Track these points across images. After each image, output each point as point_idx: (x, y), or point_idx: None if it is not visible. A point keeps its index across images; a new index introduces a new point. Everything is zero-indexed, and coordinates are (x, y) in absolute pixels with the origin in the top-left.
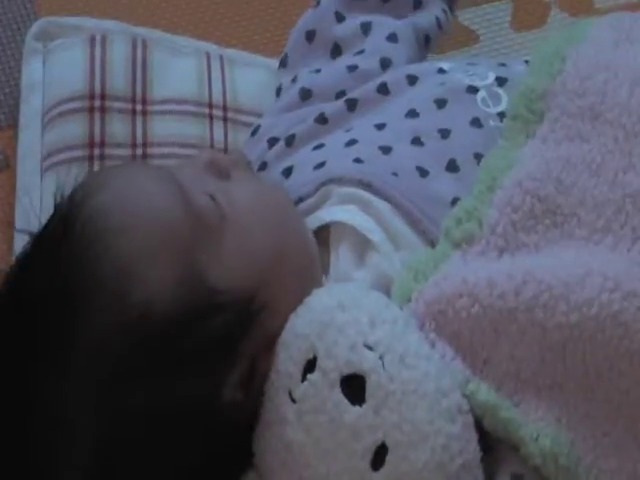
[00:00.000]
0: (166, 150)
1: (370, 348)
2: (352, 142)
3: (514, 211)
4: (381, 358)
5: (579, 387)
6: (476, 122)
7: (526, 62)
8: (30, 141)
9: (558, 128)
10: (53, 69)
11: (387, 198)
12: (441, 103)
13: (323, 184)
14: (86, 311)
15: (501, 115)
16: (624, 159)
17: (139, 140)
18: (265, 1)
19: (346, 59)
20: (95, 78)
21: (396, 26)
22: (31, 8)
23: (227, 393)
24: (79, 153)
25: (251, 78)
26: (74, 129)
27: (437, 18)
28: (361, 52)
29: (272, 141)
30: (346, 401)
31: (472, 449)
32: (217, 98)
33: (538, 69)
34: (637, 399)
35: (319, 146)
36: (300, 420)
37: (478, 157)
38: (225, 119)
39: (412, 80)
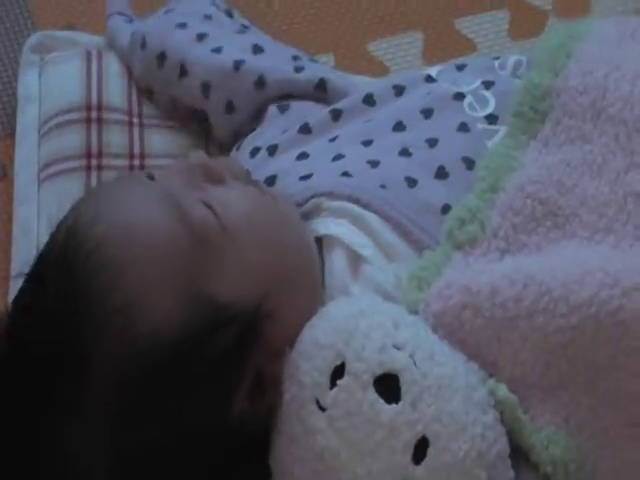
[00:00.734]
0: (163, 162)
1: (398, 348)
2: (339, 157)
3: (515, 215)
4: (411, 356)
5: (582, 383)
6: (463, 127)
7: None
8: (27, 152)
9: (559, 131)
10: (50, 81)
11: (376, 211)
12: (428, 113)
13: (313, 197)
14: (95, 346)
15: (489, 118)
16: (626, 158)
17: (136, 151)
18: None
19: None
20: (92, 90)
21: None
22: (29, 20)
23: (236, 407)
24: (76, 164)
25: None
26: (71, 140)
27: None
28: None
29: (254, 151)
30: (381, 400)
31: (504, 440)
32: None
33: (542, 64)
34: (636, 392)
35: (303, 155)
36: (332, 426)
37: (466, 161)
38: None
39: (399, 90)
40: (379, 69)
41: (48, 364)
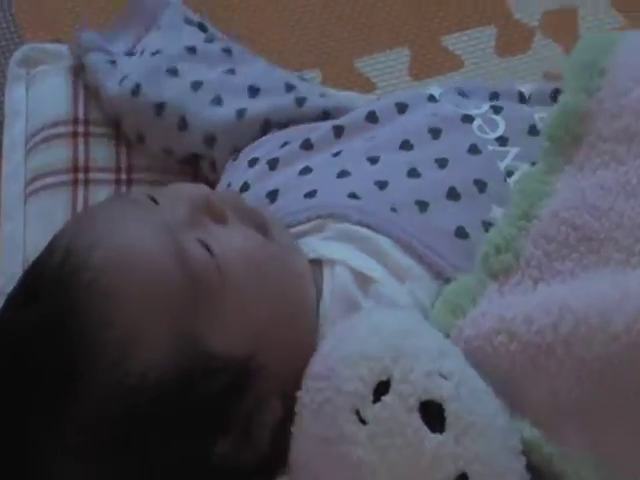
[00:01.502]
0: (149, 176)
1: (445, 377)
2: (344, 174)
3: (549, 242)
4: (456, 389)
5: (617, 409)
6: (474, 148)
7: (519, 93)
8: (14, 167)
9: (594, 155)
10: (36, 95)
11: (389, 234)
12: (436, 133)
13: (319, 217)
14: (85, 374)
15: (499, 140)
16: None
17: (123, 165)
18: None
19: None
20: (78, 104)
21: None
22: (16, 34)
23: (218, 451)
24: (63, 178)
25: None
26: (58, 154)
27: None
28: None
29: (252, 162)
30: (426, 428)
31: None
32: None
33: (575, 84)
34: None
35: (306, 170)
36: (373, 442)
37: (478, 183)
38: None
39: (401, 108)
40: (366, 85)
41: (35, 380)
